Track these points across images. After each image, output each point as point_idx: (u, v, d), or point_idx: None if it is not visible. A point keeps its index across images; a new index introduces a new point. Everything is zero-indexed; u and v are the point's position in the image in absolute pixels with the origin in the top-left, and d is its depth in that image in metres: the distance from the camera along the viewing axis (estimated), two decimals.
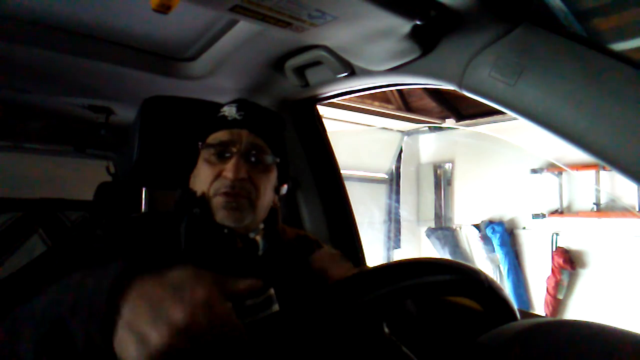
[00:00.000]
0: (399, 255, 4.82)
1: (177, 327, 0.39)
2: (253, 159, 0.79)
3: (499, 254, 4.14)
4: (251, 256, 0.79)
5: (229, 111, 0.81)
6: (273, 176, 0.83)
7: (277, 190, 0.87)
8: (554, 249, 3.80)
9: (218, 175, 0.77)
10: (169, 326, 0.39)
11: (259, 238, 0.81)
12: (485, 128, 4.15)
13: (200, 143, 0.82)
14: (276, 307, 0.73)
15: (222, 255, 0.75)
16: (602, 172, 3.50)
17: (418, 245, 4.95)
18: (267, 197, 0.81)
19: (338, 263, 0.83)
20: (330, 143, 1.31)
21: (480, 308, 0.65)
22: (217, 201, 0.76)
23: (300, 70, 1.05)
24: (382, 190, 4.92)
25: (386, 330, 0.73)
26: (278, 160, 0.83)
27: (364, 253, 1.28)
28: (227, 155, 0.78)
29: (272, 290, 0.74)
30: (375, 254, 4.74)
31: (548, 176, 3.87)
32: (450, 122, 4.34)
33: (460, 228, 4.62)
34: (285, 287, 0.77)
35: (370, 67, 0.90)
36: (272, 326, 0.70)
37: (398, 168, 4.90)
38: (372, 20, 0.67)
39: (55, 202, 1.41)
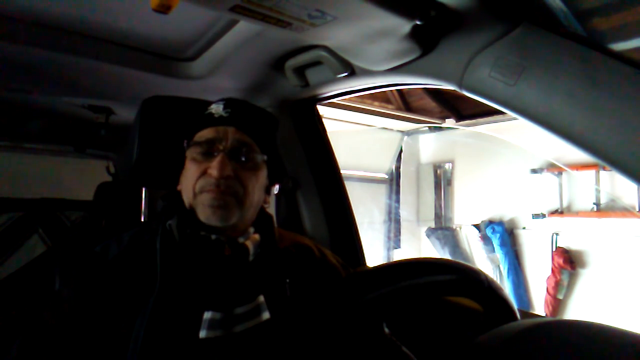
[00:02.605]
0: (399, 255, 4.82)
1: None
2: (241, 157, 0.76)
3: (499, 254, 4.14)
4: (240, 263, 0.76)
5: (216, 109, 0.79)
6: (262, 175, 0.80)
7: (267, 189, 0.84)
8: (554, 249, 3.80)
9: (203, 174, 0.75)
10: None
11: (249, 243, 0.78)
12: (485, 128, 4.15)
13: (186, 141, 0.80)
14: (266, 315, 0.71)
15: (208, 264, 0.73)
16: (602, 172, 3.50)
17: (418, 245, 4.95)
18: (255, 196, 0.79)
19: None
20: (330, 143, 1.30)
21: (480, 308, 0.65)
22: (203, 199, 0.74)
23: (300, 70, 1.05)
24: (382, 190, 4.92)
25: (386, 330, 0.73)
26: (266, 158, 0.80)
27: (364, 253, 1.28)
28: (213, 153, 0.76)
29: (261, 298, 0.72)
30: (375, 254, 4.74)
31: (548, 176, 3.87)
32: (450, 122, 4.34)
33: (460, 228, 4.62)
34: (276, 294, 0.75)
35: (370, 67, 0.89)
36: (260, 335, 0.70)
37: (398, 168, 4.90)
38: (372, 20, 0.67)
39: (55, 202, 1.41)
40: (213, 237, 0.75)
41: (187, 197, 0.78)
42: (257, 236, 0.81)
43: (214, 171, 0.73)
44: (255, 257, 0.78)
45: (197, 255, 0.73)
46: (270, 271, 0.78)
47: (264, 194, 0.83)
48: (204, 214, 0.74)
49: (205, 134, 0.78)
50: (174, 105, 0.94)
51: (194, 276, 0.72)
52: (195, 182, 0.75)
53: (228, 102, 0.81)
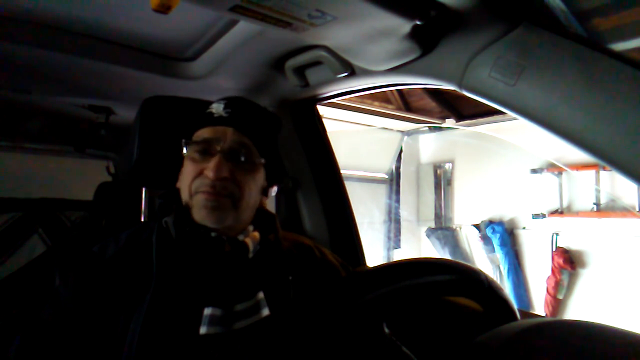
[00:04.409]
0: (398, 255, 4.82)
1: None
2: (239, 158, 0.76)
3: (499, 254, 4.14)
4: (240, 259, 0.76)
5: (216, 108, 0.79)
6: (259, 176, 0.80)
7: (265, 191, 0.84)
8: (554, 249, 3.80)
9: (200, 174, 0.75)
10: None
11: (248, 240, 0.78)
12: (485, 128, 4.14)
13: (184, 140, 0.79)
14: (266, 311, 0.72)
15: (208, 260, 0.73)
16: (602, 172, 3.50)
17: (418, 245, 4.95)
18: (252, 198, 0.79)
19: None
20: (330, 143, 1.30)
21: (480, 308, 0.65)
22: (198, 199, 0.74)
23: (300, 70, 1.05)
24: (382, 190, 4.92)
25: (386, 330, 0.73)
26: (264, 160, 0.80)
27: (364, 253, 1.28)
28: (211, 153, 0.75)
29: (261, 295, 0.73)
30: (375, 254, 4.74)
31: (548, 176, 3.87)
32: (450, 122, 4.34)
33: (460, 228, 4.62)
34: (277, 291, 0.75)
35: (370, 67, 0.90)
36: (261, 332, 0.70)
37: (398, 168, 4.90)
38: (372, 20, 0.67)
39: (55, 202, 1.41)
40: (213, 234, 0.75)
41: (184, 196, 0.78)
42: (257, 234, 0.81)
43: (210, 172, 0.73)
44: (255, 255, 0.78)
45: (196, 251, 0.74)
46: (271, 268, 0.78)
47: (261, 195, 0.83)
48: (199, 215, 0.74)
49: (203, 133, 0.78)
50: (174, 105, 0.94)
51: (192, 272, 0.72)
52: (191, 181, 0.75)
53: (229, 102, 0.80)
